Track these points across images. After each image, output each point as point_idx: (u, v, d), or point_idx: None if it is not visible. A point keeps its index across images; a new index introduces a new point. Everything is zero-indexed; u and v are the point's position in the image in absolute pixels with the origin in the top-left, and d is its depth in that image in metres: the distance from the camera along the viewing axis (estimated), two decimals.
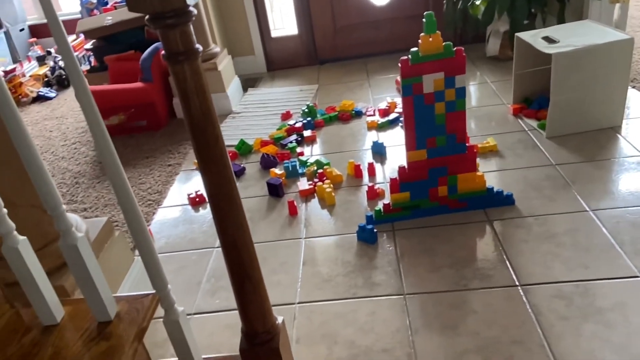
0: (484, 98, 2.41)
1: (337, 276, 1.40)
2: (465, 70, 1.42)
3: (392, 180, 1.60)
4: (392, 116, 2.34)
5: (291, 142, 2.24)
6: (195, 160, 2.17)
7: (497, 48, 2.74)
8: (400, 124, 2.29)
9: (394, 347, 1.16)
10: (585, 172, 1.70)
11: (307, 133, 2.30)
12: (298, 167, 1.98)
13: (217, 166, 0.67)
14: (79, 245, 0.67)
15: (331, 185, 1.81)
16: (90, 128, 0.65)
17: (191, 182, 2.07)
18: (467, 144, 1.54)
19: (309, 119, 2.40)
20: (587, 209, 1.52)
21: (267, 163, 2.04)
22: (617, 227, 1.42)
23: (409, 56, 1.41)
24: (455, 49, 1.40)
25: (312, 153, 2.17)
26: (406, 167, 1.58)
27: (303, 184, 1.87)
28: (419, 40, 1.39)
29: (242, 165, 2.07)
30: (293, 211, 1.72)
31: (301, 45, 3.27)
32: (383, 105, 2.45)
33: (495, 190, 1.60)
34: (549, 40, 1.93)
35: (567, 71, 1.82)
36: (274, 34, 3.27)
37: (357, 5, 3.12)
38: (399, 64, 1.42)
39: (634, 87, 2.21)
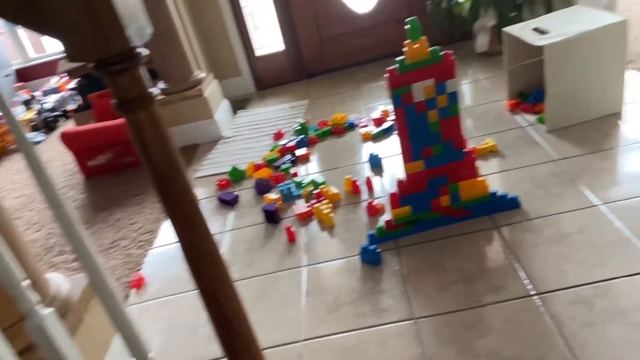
0: (478, 96, 2.35)
1: (342, 305, 1.33)
2: (455, 74, 1.35)
3: (392, 195, 1.53)
4: (386, 125, 2.28)
5: (285, 163, 2.17)
6: None
7: (486, 44, 2.68)
8: (395, 132, 2.22)
9: None
10: (590, 164, 1.63)
11: (300, 152, 2.24)
12: (293, 189, 1.91)
13: (188, 221, 0.60)
14: (45, 325, 0.60)
15: (329, 206, 1.74)
16: (42, 191, 0.59)
17: None
18: (465, 150, 1.47)
19: (301, 136, 2.34)
20: (597, 203, 1.45)
21: (262, 188, 1.97)
22: (630, 218, 1.35)
23: (396, 65, 1.35)
24: (442, 53, 1.34)
25: (307, 172, 2.11)
26: (405, 179, 1.51)
27: (300, 206, 1.80)
28: (404, 48, 1.33)
29: (235, 193, 2.01)
30: (291, 237, 1.65)
31: (288, 61, 3.22)
32: (376, 114, 2.39)
33: (499, 194, 1.53)
34: (539, 31, 1.86)
35: (560, 62, 1.76)
36: (259, 52, 3.23)
37: (340, 15, 3.08)
38: (386, 75, 1.36)
39: (631, 68, 2.13)
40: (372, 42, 3.14)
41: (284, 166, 2.13)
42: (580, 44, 1.74)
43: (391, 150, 2.08)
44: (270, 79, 3.27)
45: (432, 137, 1.43)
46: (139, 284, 1.65)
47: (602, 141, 1.73)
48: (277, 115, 2.74)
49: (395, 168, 1.95)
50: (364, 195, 1.83)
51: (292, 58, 3.20)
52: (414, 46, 1.32)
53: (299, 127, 2.41)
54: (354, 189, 1.85)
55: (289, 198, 1.89)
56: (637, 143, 1.67)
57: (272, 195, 1.90)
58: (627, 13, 2.68)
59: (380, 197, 1.79)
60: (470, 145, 1.92)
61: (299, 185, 1.97)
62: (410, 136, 1.43)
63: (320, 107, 2.76)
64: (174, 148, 0.60)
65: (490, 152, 1.87)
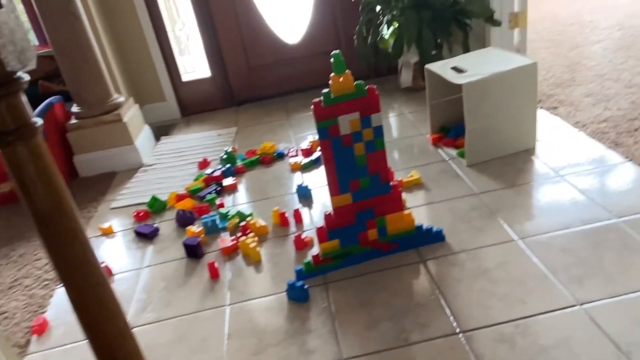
0: (404, 129, 2.41)
1: (267, 347, 1.25)
2: (379, 108, 1.36)
3: (319, 229, 1.49)
4: (315, 155, 2.26)
5: (210, 193, 2.08)
6: (101, 226, 1.98)
7: (409, 79, 2.78)
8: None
9: None
10: (508, 199, 1.70)
11: (227, 181, 2.16)
12: (218, 222, 1.83)
13: (78, 270, 0.52)
14: None
15: (255, 239, 1.67)
16: None
17: (95, 253, 1.84)
18: (391, 183, 1.47)
19: (228, 165, 2.26)
20: (515, 238, 1.50)
21: (184, 220, 1.87)
22: (546, 254, 1.40)
23: (321, 98, 1.34)
24: (367, 87, 1.34)
25: (233, 203, 2.03)
26: (332, 213, 1.48)
27: (225, 240, 1.72)
28: (330, 81, 1.32)
29: (155, 225, 1.88)
30: (214, 274, 1.56)
31: (216, 88, 3.15)
32: (305, 144, 2.38)
33: (424, 227, 1.55)
34: (457, 70, 1.95)
35: (477, 99, 1.84)
36: (186, 77, 3.13)
37: (270, 45, 3.07)
38: (312, 107, 1.34)
39: (541, 107, 2.29)
40: (302, 71, 3.16)
41: (208, 197, 2.04)
42: (495, 83, 1.83)
43: (320, 181, 2.07)
44: (196, 105, 3.17)
45: (359, 170, 1.42)
46: (41, 328, 1.47)
47: (518, 176, 1.82)
48: (203, 143, 2.64)
49: (324, 199, 1.92)
50: (293, 227, 1.78)
51: (220, 85, 3.14)
52: (339, 79, 1.32)
53: (226, 156, 2.33)
54: (282, 222, 1.80)
55: (213, 231, 1.80)
56: (548, 179, 1.77)
57: (195, 228, 1.80)
58: (534, 56, 2.90)
59: (309, 230, 1.75)
60: (397, 177, 1.95)
61: (224, 217, 1.88)
62: (337, 169, 1.41)
63: (248, 135, 2.70)
64: (61, 186, 0.52)
65: (416, 185, 1.90)
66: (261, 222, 1.78)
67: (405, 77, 2.78)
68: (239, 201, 2.04)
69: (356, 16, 2.89)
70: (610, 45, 2.85)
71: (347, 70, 1.31)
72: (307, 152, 2.31)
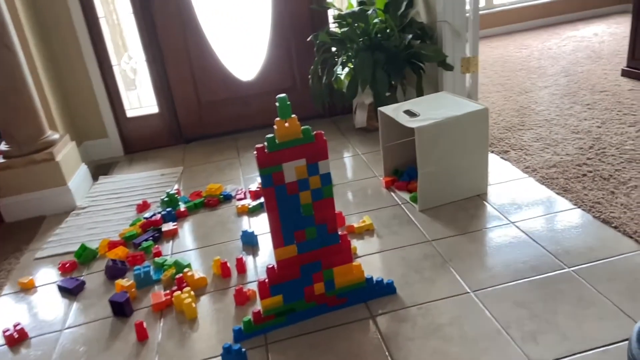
0: (358, 171, 2.34)
1: None
2: (327, 155, 1.28)
3: (261, 284, 1.37)
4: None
5: (146, 240, 1.92)
6: (21, 280, 1.76)
7: (364, 120, 2.75)
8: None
9: None
10: (460, 247, 1.63)
11: (166, 227, 2.00)
12: (152, 273, 1.67)
13: None
14: None
15: (191, 293, 1.53)
16: None
17: (11, 312, 1.63)
18: (340, 232, 1.38)
19: (169, 209, 2.11)
20: (468, 291, 1.42)
21: (114, 272, 1.69)
22: (500, 308, 1.33)
23: (265, 143, 1.24)
24: (314, 133, 1.26)
25: (172, 251, 1.87)
26: (275, 266, 1.37)
27: (158, 294, 1.56)
28: (274, 126, 1.23)
29: (81, 278, 1.70)
30: (142, 335, 1.39)
31: (163, 124, 3.01)
32: (254, 186, 2.26)
33: (375, 279, 1.45)
34: (410, 113, 1.91)
35: (430, 144, 1.80)
36: (131, 113, 2.98)
37: (222, 81, 2.98)
38: (254, 152, 1.24)
39: (492, 151, 2.29)
40: (255, 110, 3.08)
41: (144, 244, 1.88)
42: (447, 127, 1.80)
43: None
44: (141, 142, 3.01)
45: (305, 220, 1.32)
46: None
47: (470, 222, 1.77)
48: (145, 184, 2.48)
49: (271, 247, 1.80)
50: (234, 279, 1.64)
51: (168, 121, 3.00)
52: (285, 124, 1.23)
53: (167, 198, 2.18)
54: (223, 272, 1.66)
55: (145, 284, 1.64)
56: (500, 226, 1.73)
57: (125, 282, 1.63)
58: (485, 99, 2.95)
59: (252, 282, 1.62)
60: (349, 222, 1.86)
61: (159, 267, 1.73)
62: (281, 219, 1.30)
63: (195, 175, 2.57)
64: None
65: (367, 231, 1.81)
66: (199, 274, 1.64)
67: (360, 118, 2.75)
68: (178, 249, 1.88)
69: (311, 55, 2.86)
70: (557, 91, 2.93)
71: (293, 115, 1.22)
72: (255, 195, 2.19)
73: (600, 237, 1.57)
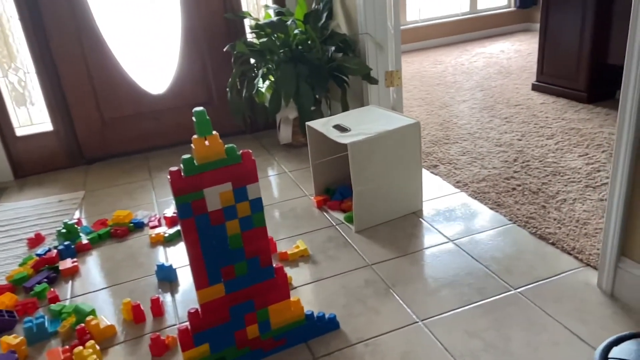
0: (286, 190, 2.18)
1: None
2: (257, 177, 1.10)
3: (182, 332, 1.15)
4: None
5: (40, 282, 1.60)
6: None
7: (289, 135, 2.60)
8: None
9: None
10: (402, 270, 1.52)
11: (64, 264, 1.70)
12: (47, 324, 1.37)
13: None
14: None
15: (96, 347, 1.26)
16: None
17: None
18: (274, 266, 1.20)
19: (67, 242, 1.80)
20: (417, 320, 1.31)
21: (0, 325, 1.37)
22: (452, 339, 1.23)
23: (181, 166, 1.04)
24: (241, 152, 1.08)
25: (71, 295, 1.58)
26: (199, 310, 1.16)
27: (54, 351, 1.27)
28: (192, 146, 1.03)
29: None
30: None
31: (59, 144, 2.64)
32: (170, 211, 2.01)
33: (315, 315, 1.29)
34: (340, 128, 1.79)
35: (363, 160, 1.69)
36: (21, 131, 2.59)
37: (128, 95, 2.69)
38: (168, 177, 1.03)
39: (422, 166, 2.23)
40: (168, 125, 2.81)
41: (37, 288, 1.56)
42: (380, 142, 1.70)
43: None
44: (34, 164, 2.62)
45: (233, 254, 1.13)
46: None
47: (409, 243, 1.67)
48: (38, 212, 2.13)
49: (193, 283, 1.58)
50: (150, 324, 1.40)
51: (65, 140, 2.64)
52: (204, 143, 1.04)
53: (65, 230, 1.86)
54: (136, 317, 1.41)
55: (38, 338, 1.34)
56: (439, 245, 1.64)
57: (12, 338, 1.32)
58: (409, 113, 2.93)
59: (172, 326, 1.38)
60: (280, 248, 1.68)
61: (56, 316, 1.44)
62: (204, 254, 1.10)
63: (99, 201, 2.25)
64: None
65: (302, 257, 1.65)
66: (106, 321, 1.38)
67: (285, 133, 2.59)
68: (79, 291, 1.59)
69: (229, 67, 2.67)
70: (475, 105, 2.99)
71: (214, 132, 1.03)
72: (172, 221, 1.94)
73: (540, 254, 1.53)
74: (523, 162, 2.15)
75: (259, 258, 1.16)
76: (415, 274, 1.50)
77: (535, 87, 3.09)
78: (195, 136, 1.03)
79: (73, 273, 1.69)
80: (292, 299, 1.24)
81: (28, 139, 2.60)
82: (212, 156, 1.04)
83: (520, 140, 2.40)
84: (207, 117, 1.02)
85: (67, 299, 1.56)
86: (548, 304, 1.31)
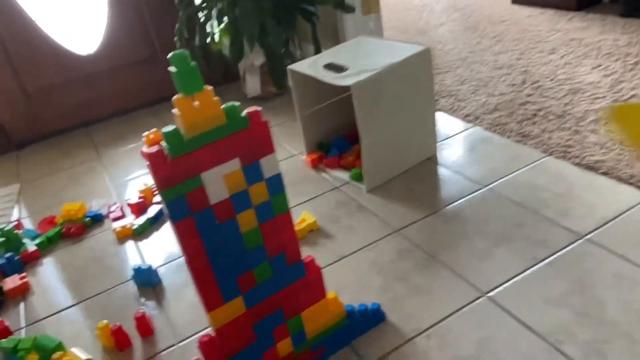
0: None
1: None
2: (272, 146, 0.77)
3: None
4: (153, 210, 1.55)
5: None
6: None
7: (257, 86, 2.21)
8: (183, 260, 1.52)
9: None
10: (438, 232, 1.26)
11: (10, 283, 1.32)
12: None
13: None
14: None
15: None
16: None
17: None
18: (304, 260, 0.89)
19: (8, 254, 1.41)
20: (481, 294, 1.06)
21: None
22: (533, 313, 0.98)
23: (163, 144, 0.68)
24: (246, 112, 0.74)
25: (26, 322, 1.22)
26: (213, 336, 0.84)
27: None
28: (176, 111, 0.68)
29: None
30: None
31: None
32: (134, 196, 1.63)
33: (356, 309, 1.01)
34: (334, 68, 1.45)
35: (370, 103, 1.37)
36: None
37: (53, 60, 2.19)
38: (147, 163, 0.68)
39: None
40: (106, 92, 2.34)
41: None
42: (388, 79, 1.38)
43: (169, 248, 1.38)
44: None
45: (252, 256, 0.81)
46: None
47: (435, 197, 1.40)
48: None
49: (184, 277, 1.25)
50: (139, 349, 1.08)
51: None
52: (193, 103, 0.68)
53: (3, 238, 1.46)
54: (119, 342, 1.08)
55: None
56: (472, 194, 1.38)
57: None
58: None
59: (170, 347, 1.07)
60: None
61: (11, 355, 1.08)
62: (213, 264, 0.77)
63: (40, 193, 1.83)
64: None
65: (311, 232, 1.35)
66: (80, 356, 1.04)
67: (252, 84, 2.20)
68: (35, 316, 1.23)
69: (173, 13, 2.20)
70: (456, 27, 2.68)
71: (206, 86, 0.68)
72: (138, 208, 1.57)
73: (594, 188, 1.30)
74: (533, 83, 1.89)
75: (285, 254, 0.85)
76: (456, 235, 1.24)
77: (515, 0, 2.81)
78: (177, 96, 0.67)
79: (23, 292, 1.32)
80: (328, 296, 0.95)
81: None
82: (208, 123, 0.69)
83: (519, 59, 2.13)
84: (194, 65, 0.66)
85: (21, 329, 1.20)
86: (629, 250, 1.08)
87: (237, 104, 0.71)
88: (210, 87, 0.68)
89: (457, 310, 1.02)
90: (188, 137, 0.67)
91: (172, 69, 0.66)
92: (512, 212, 1.27)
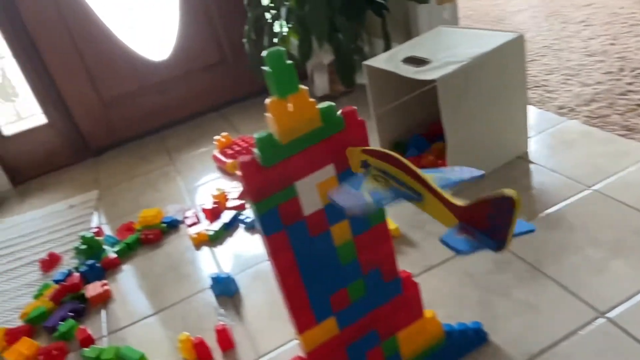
0: None
1: None
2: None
3: None
4: (227, 216, 1.52)
5: (64, 318, 1.24)
6: None
7: (326, 85, 2.15)
8: (245, 224, 1.48)
9: None
10: (540, 240, 1.12)
11: (92, 290, 1.33)
12: None
13: None
14: None
15: None
16: None
17: None
18: (399, 277, 0.80)
19: (90, 261, 1.43)
20: (597, 314, 0.92)
21: None
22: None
23: (256, 152, 0.62)
24: (341, 112, 0.66)
25: (108, 330, 1.22)
26: (305, 359, 0.77)
27: None
28: (269, 114, 0.61)
29: None
30: None
31: (58, 137, 2.23)
32: (207, 202, 1.61)
33: (456, 328, 0.90)
34: (414, 61, 1.35)
35: (457, 97, 1.26)
36: (9, 129, 2.18)
37: (127, 67, 2.24)
38: (240, 173, 0.62)
39: None
40: (178, 97, 2.37)
41: (62, 326, 1.20)
42: (477, 71, 1.26)
43: (246, 254, 1.34)
44: (33, 166, 2.23)
45: (346, 272, 0.73)
46: None
47: (531, 200, 1.26)
48: (48, 225, 1.75)
49: (267, 285, 1.20)
50: None
51: (64, 131, 2.23)
52: (287, 106, 0.61)
53: (84, 245, 1.48)
54: (201, 356, 1.04)
55: None
56: (576, 196, 1.23)
57: None
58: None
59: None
60: None
61: None
62: (305, 282, 0.70)
63: (119, 199, 1.86)
64: None
65: (393, 239, 1.26)
66: None
67: (320, 83, 2.14)
68: (117, 324, 1.23)
69: (241, 15, 2.19)
70: (536, 13, 2.49)
71: (302, 86, 0.61)
72: (213, 213, 1.55)
73: None
74: (632, 71, 1.69)
75: (380, 269, 0.76)
76: (562, 244, 1.10)
77: None
78: (270, 98, 0.61)
79: (105, 300, 1.32)
80: (426, 315, 0.86)
81: (20, 137, 2.19)
82: (304, 126, 0.62)
83: (613, 44, 1.92)
84: (288, 62, 0.59)
85: (103, 337, 1.20)
86: None
87: (332, 103, 0.64)
88: (304, 87, 0.61)
89: (572, 333, 0.90)
90: (284, 142, 0.61)
91: (266, 68, 0.59)
92: (626, 217, 1.12)
